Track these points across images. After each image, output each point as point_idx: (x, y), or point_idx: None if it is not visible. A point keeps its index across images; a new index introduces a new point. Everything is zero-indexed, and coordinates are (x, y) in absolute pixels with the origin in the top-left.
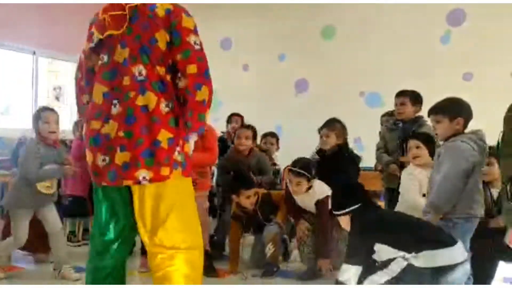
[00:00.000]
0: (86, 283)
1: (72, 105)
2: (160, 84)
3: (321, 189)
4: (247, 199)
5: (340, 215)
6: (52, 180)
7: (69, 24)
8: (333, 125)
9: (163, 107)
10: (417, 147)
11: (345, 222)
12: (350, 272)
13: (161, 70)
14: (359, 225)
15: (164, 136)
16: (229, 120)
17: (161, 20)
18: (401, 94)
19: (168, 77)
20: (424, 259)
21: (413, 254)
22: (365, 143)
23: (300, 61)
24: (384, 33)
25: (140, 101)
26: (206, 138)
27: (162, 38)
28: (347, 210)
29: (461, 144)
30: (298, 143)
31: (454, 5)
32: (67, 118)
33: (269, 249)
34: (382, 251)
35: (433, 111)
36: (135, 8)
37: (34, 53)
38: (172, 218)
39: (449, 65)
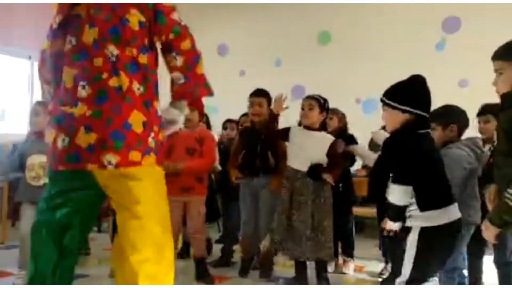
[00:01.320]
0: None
1: None
2: (132, 66)
3: (329, 136)
4: (251, 106)
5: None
6: (39, 170)
7: None
8: (335, 109)
9: (136, 89)
10: None
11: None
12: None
13: (133, 51)
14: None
15: (137, 118)
16: (225, 126)
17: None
18: None
19: (142, 59)
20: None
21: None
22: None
23: (296, 67)
24: (380, 40)
25: (113, 82)
26: (204, 143)
27: (134, 19)
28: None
29: (457, 151)
30: None
31: (449, 12)
32: None
33: (263, 247)
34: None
35: None
36: None
37: (30, 57)
38: (146, 209)
39: (445, 72)
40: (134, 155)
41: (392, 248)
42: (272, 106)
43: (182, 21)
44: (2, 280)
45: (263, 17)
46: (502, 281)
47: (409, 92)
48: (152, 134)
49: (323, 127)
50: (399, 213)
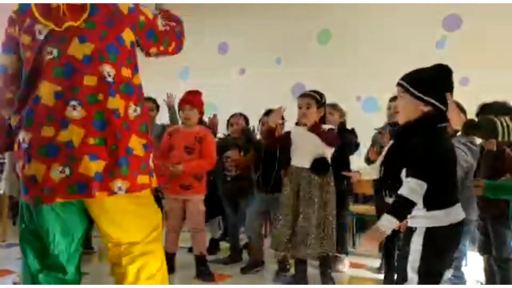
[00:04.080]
0: None
1: None
2: (127, 87)
3: (325, 126)
4: (262, 125)
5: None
6: None
7: None
8: (336, 105)
9: (131, 112)
10: None
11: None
12: None
13: (128, 71)
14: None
15: (137, 142)
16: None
17: (127, 18)
18: (395, 98)
19: (136, 80)
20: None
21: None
22: (362, 148)
23: (297, 65)
24: (380, 38)
25: (111, 104)
26: (203, 143)
27: (128, 38)
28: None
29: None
30: None
31: (450, 10)
32: None
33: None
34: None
35: None
36: None
37: None
38: (141, 226)
39: None
40: (142, 178)
41: (386, 243)
42: (269, 118)
43: (162, 23)
44: (3, 279)
45: (263, 15)
46: (502, 278)
47: (437, 83)
48: (152, 156)
49: (322, 121)
50: (405, 209)
